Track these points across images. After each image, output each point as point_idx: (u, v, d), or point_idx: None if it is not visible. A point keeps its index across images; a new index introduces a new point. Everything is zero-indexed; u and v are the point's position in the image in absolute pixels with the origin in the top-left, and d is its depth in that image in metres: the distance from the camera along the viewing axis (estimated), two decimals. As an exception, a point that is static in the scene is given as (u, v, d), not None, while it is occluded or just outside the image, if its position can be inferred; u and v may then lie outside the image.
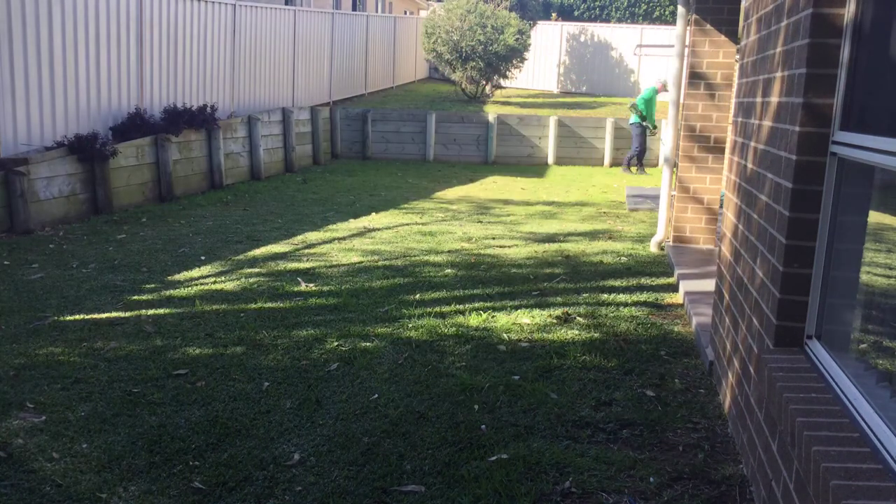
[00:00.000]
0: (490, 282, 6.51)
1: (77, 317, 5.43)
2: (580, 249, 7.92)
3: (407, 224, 9.38)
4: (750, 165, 3.75)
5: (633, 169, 15.32)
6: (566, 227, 9.36)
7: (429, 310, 5.65)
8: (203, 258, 7.29)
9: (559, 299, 5.97)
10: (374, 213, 10.14)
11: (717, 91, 7.40)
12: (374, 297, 6.02)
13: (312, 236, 8.50)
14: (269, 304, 5.78)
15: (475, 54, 19.60)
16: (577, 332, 5.21)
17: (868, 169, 2.58)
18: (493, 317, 5.51)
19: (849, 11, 2.75)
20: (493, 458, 3.45)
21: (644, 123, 14.92)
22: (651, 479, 3.29)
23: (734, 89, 7.46)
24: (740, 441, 3.49)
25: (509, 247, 8.06)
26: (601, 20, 27.08)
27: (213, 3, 12.73)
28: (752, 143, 3.72)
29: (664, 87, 14.69)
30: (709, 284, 6.05)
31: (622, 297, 6.05)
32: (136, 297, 5.92)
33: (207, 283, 6.39)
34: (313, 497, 3.14)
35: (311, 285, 6.36)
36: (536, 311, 5.64)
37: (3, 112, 8.64)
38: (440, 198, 11.99)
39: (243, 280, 6.49)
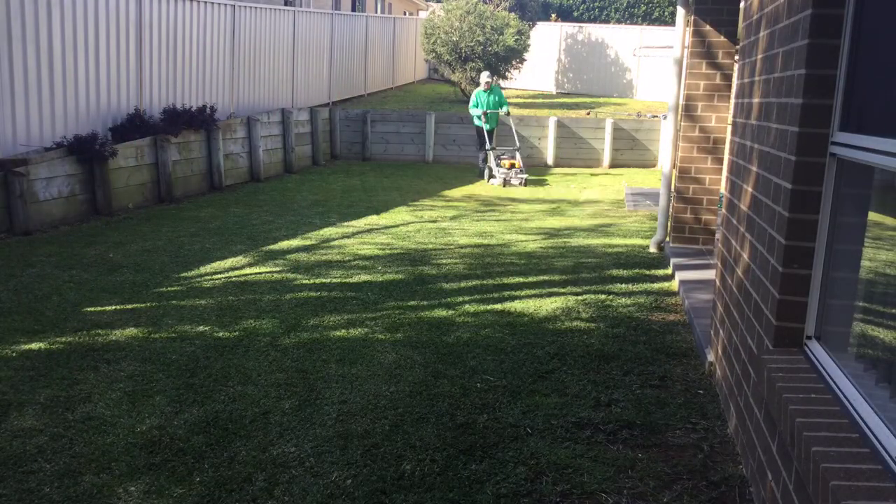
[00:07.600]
0: (491, 277, 6.52)
1: (76, 316, 5.43)
2: (581, 247, 7.92)
3: (408, 223, 9.38)
4: (749, 166, 3.75)
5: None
6: (567, 225, 9.36)
7: (428, 304, 5.66)
8: (202, 259, 7.29)
9: (560, 298, 5.97)
10: (374, 213, 10.14)
11: (715, 92, 7.40)
12: (374, 295, 6.02)
13: (313, 236, 8.50)
14: (269, 304, 5.78)
15: (474, 55, 19.61)
16: (577, 330, 5.21)
17: (867, 169, 2.59)
18: (494, 315, 5.51)
19: (848, 12, 2.75)
20: (493, 459, 3.46)
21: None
22: (650, 480, 3.29)
23: (733, 90, 7.46)
24: (740, 441, 3.49)
25: (511, 244, 8.06)
26: (600, 21, 27.10)
27: (213, 4, 12.73)
28: (752, 144, 3.72)
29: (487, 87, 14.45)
30: (703, 274, 6.28)
31: (623, 298, 6.05)
32: (134, 298, 5.92)
33: (206, 283, 6.39)
34: (313, 498, 3.14)
35: (312, 282, 6.36)
36: (536, 310, 5.64)
37: (2, 112, 8.64)
38: (441, 197, 11.99)
39: (242, 280, 6.49)
